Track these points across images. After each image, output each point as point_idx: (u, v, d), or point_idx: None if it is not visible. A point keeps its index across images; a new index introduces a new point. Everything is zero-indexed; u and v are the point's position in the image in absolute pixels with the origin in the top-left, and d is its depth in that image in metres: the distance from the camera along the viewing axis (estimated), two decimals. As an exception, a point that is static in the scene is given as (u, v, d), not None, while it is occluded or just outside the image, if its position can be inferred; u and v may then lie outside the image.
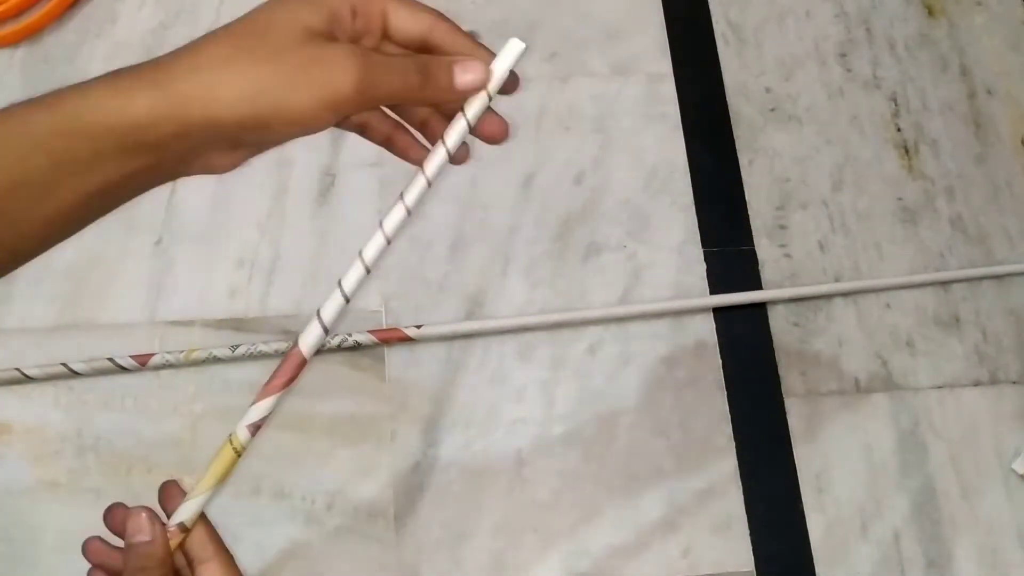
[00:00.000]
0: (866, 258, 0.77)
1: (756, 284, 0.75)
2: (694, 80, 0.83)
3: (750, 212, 0.78)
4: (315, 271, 0.73)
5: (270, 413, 0.37)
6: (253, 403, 0.37)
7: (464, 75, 0.37)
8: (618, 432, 0.70)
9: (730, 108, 0.82)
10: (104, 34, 0.81)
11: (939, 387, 0.73)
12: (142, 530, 0.36)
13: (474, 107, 0.38)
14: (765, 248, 0.77)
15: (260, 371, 0.69)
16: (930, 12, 0.88)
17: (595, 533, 0.67)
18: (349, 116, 0.35)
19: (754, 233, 0.77)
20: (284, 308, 0.71)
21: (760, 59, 0.84)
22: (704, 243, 0.76)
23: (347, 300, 0.37)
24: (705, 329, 0.73)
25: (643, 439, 0.70)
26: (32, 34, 0.80)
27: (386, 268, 0.73)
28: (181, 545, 0.38)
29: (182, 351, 0.68)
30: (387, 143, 0.41)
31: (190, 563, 0.38)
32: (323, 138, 0.78)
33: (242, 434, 0.37)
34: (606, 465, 0.69)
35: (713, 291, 0.74)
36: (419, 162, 0.40)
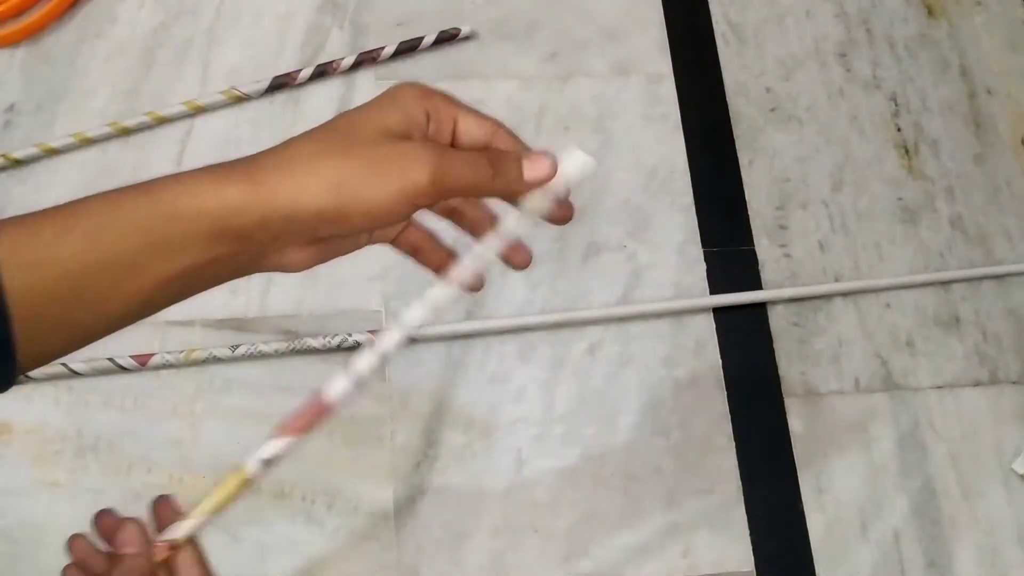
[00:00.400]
0: (866, 258, 0.77)
1: (756, 284, 0.75)
2: (694, 80, 0.83)
3: (750, 212, 0.78)
4: (315, 271, 0.72)
5: (285, 454, 0.37)
6: (270, 438, 0.37)
7: (532, 168, 0.39)
8: (618, 432, 0.70)
9: (730, 108, 0.82)
10: (104, 34, 0.81)
11: (939, 387, 0.73)
12: (131, 542, 0.37)
13: (535, 201, 0.39)
14: (765, 248, 0.77)
15: (260, 371, 0.69)
16: (930, 12, 0.88)
17: (595, 533, 0.67)
18: (427, 206, 0.37)
19: (754, 233, 0.77)
20: (284, 308, 0.71)
21: (760, 59, 0.84)
22: (704, 243, 0.76)
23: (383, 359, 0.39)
24: (705, 329, 0.73)
25: (643, 439, 0.70)
26: (32, 34, 0.80)
27: (386, 268, 0.73)
28: (168, 561, 0.38)
29: (182, 351, 0.68)
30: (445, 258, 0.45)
31: None
32: (323, 138, 0.78)
33: (252, 467, 0.37)
34: (606, 465, 0.69)
35: (713, 291, 0.74)
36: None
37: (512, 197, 0.39)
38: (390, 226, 0.37)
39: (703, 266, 0.76)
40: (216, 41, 0.81)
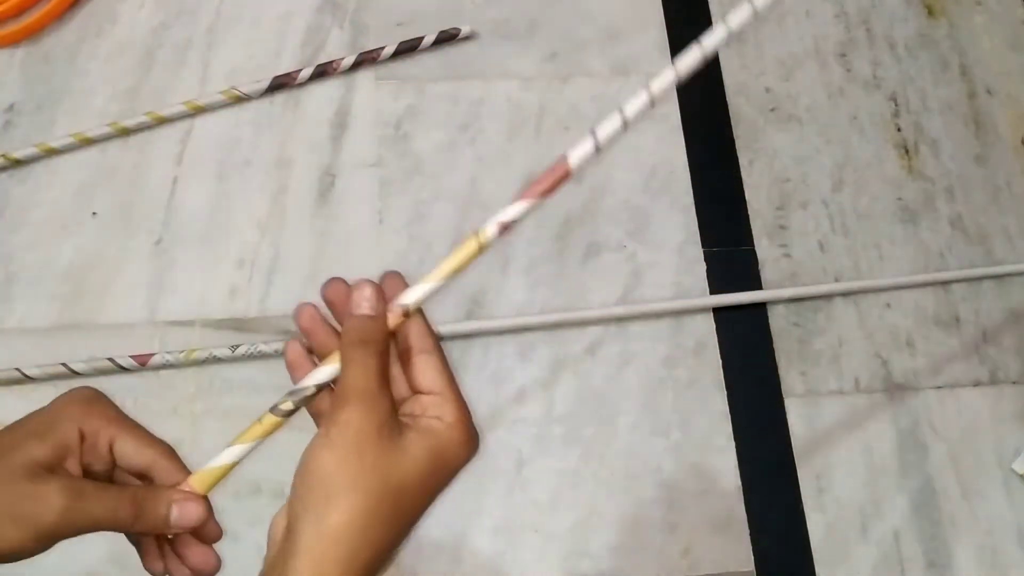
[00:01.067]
0: (866, 258, 0.77)
1: (756, 284, 0.75)
2: (694, 80, 0.83)
3: (750, 212, 0.78)
4: (315, 271, 0.73)
5: (522, 216, 0.36)
6: (511, 204, 0.36)
7: (182, 514, 0.38)
8: (618, 432, 0.70)
9: (730, 108, 0.82)
10: (104, 34, 0.81)
11: (939, 387, 0.73)
12: (366, 301, 0.35)
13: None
14: (765, 248, 0.77)
15: (260, 371, 0.69)
16: (930, 12, 0.88)
17: (595, 533, 0.67)
18: (70, 536, 0.36)
19: (754, 233, 0.77)
20: (284, 308, 0.71)
21: (760, 59, 0.84)
22: (704, 243, 0.76)
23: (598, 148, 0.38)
24: (705, 329, 0.73)
25: (643, 439, 0.70)
26: (32, 34, 0.80)
27: (386, 268, 0.73)
28: (399, 327, 0.36)
29: (182, 351, 0.68)
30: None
31: (407, 351, 0.37)
32: (323, 138, 0.78)
33: (490, 230, 0.36)
34: (606, 465, 0.69)
35: (713, 291, 0.74)
36: None
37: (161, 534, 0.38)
38: (19, 558, 0.35)
39: (703, 266, 0.75)
40: (216, 41, 0.81)
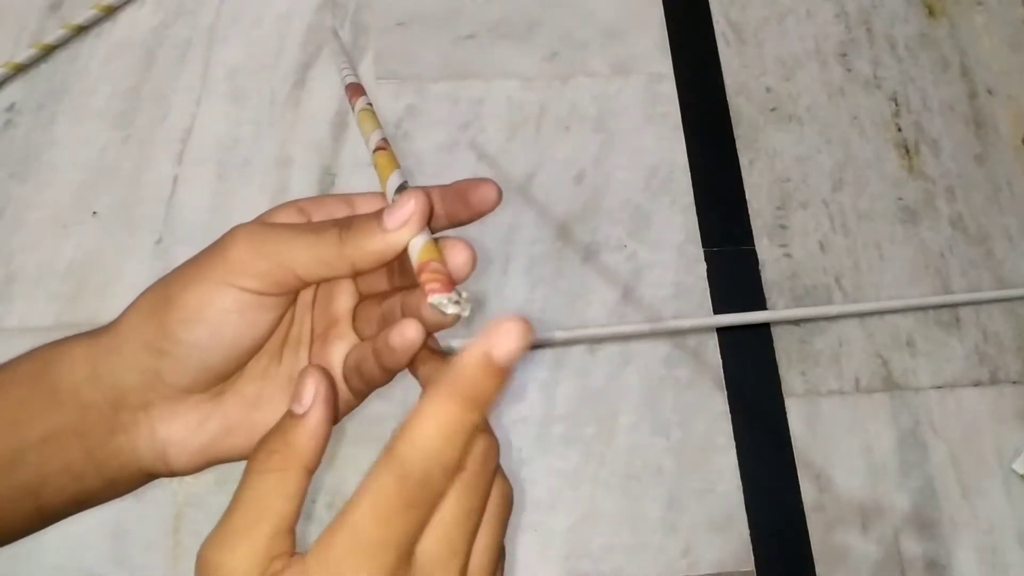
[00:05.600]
0: (866, 258, 0.77)
1: (757, 284, 0.75)
2: (694, 80, 0.83)
3: (750, 212, 0.78)
4: (315, 271, 0.73)
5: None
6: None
7: (393, 211, 0.29)
8: (618, 432, 0.70)
9: (730, 108, 0.82)
10: (104, 34, 0.81)
11: (939, 387, 0.73)
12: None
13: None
14: (765, 248, 0.77)
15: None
16: (931, 12, 0.88)
17: (595, 533, 0.67)
18: (267, 295, 0.29)
19: (754, 233, 0.77)
20: (284, 308, 0.71)
21: (760, 59, 0.84)
22: (704, 243, 0.76)
23: None
24: (705, 328, 0.73)
25: (643, 439, 0.70)
26: (32, 34, 0.80)
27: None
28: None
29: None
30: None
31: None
32: (323, 137, 0.78)
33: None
34: (606, 465, 0.69)
35: (713, 291, 0.74)
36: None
37: (373, 263, 0.30)
38: (243, 333, 0.29)
39: (703, 266, 0.76)
40: (216, 41, 0.81)
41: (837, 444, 0.71)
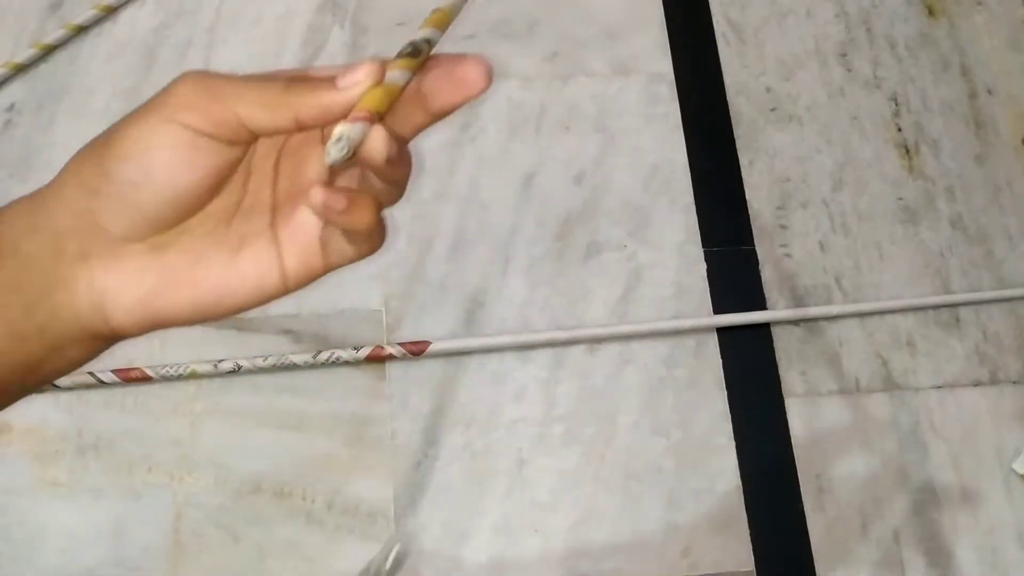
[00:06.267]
0: (866, 258, 0.77)
1: (756, 284, 0.75)
2: (694, 80, 0.83)
3: (750, 212, 0.78)
4: (315, 271, 0.73)
5: None
6: None
7: (348, 73, 0.29)
8: (618, 432, 0.70)
9: (730, 108, 0.82)
10: (104, 34, 0.81)
11: (939, 387, 0.73)
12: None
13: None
14: (765, 248, 0.77)
15: (260, 371, 0.69)
16: (931, 12, 0.88)
17: (595, 533, 0.67)
18: (209, 137, 0.28)
19: (754, 233, 0.77)
20: (284, 308, 0.71)
21: (760, 59, 0.84)
22: (704, 243, 0.76)
23: None
24: (705, 328, 0.73)
25: (643, 439, 0.70)
26: (32, 34, 0.80)
27: (386, 267, 0.73)
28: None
29: (164, 367, 0.68)
30: None
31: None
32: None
33: None
34: (606, 465, 0.69)
35: (713, 291, 0.74)
36: None
37: (316, 116, 0.29)
38: (185, 181, 0.28)
39: (703, 266, 0.75)
40: (216, 41, 0.81)
41: (837, 444, 0.71)
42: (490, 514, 0.67)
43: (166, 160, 0.28)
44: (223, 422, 0.68)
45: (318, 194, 0.29)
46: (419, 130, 0.33)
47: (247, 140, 0.29)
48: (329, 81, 0.29)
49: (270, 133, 0.29)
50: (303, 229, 0.31)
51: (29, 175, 0.75)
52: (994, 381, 0.74)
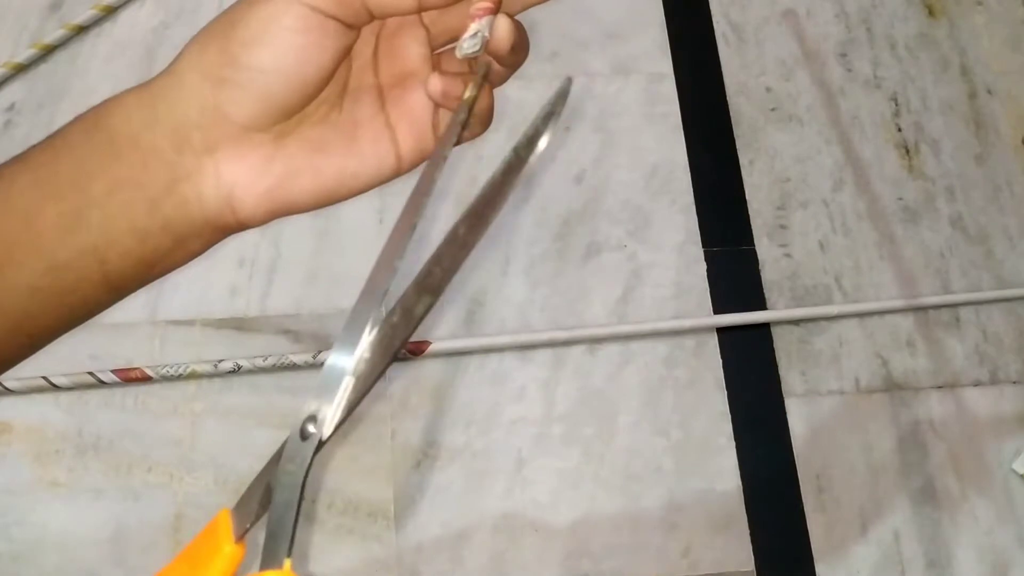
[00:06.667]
0: (866, 258, 0.77)
1: (757, 284, 0.75)
2: (694, 80, 0.83)
3: (750, 212, 0.78)
4: (315, 270, 0.73)
5: None
6: None
7: None
8: (618, 432, 0.70)
9: (730, 108, 0.82)
10: (104, 34, 0.81)
11: (939, 387, 0.73)
12: None
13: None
14: (765, 248, 0.77)
15: (260, 371, 0.69)
16: (930, 12, 0.88)
17: (595, 533, 0.67)
18: (335, 19, 0.28)
19: (754, 233, 0.77)
20: (284, 307, 0.71)
21: (760, 59, 0.84)
22: (704, 243, 0.76)
23: None
24: (705, 328, 0.73)
25: (643, 439, 0.70)
26: (32, 33, 0.80)
27: (386, 268, 0.73)
28: None
29: (164, 367, 0.68)
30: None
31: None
32: (323, 138, 0.78)
33: None
34: (606, 465, 0.69)
35: (713, 291, 0.74)
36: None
37: None
38: (309, 62, 0.28)
39: (703, 265, 0.75)
40: (216, 41, 0.81)
41: (837, 444, 0.71)
42: (490, 514, 0.67)
43: (298, 44, 0.27)
44: (223, 422, 0.68)
45: (436, 82, 0.29)
46: (529, 6, 0.32)
47: (365, 22, 0.29)
48: None
49: (390, 15, 0.29)
50: (415, 112, 0.31)
51: (29, 175, 0.75)
52: (994, 381, 0.74)
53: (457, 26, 0.31)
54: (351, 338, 0.27)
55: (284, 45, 0.27)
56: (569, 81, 0.33)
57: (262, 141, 0.29)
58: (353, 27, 0.29)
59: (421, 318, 0.29)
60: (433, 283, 0.31)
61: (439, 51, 0.32)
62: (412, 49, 0.32)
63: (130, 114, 0.28)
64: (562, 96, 0.32)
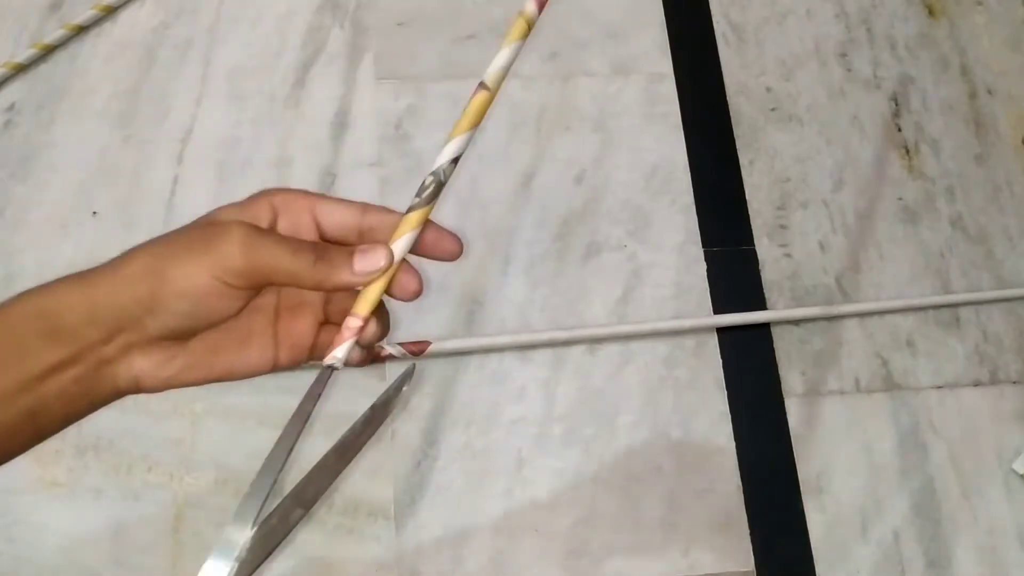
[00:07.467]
0: (866, 258, 0.77)
1: (757, 284, 0.75)
2: (694, 80, 0.83)
3: (750, 212, 0.78)
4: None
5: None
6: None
7: (364, 259, 0.36)
8: (618, 432, 0.70)
9: (730, 108, 0.82)
10: (104, 34, 0.81)
11: (939, 387, 0.73)
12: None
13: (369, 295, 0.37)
14: (765, 248, 0.77)
15: (260, 371, 0.69)
16: (931, 12, 0.88)
17: (595, 533, 0.67)
18: (246, 290, 0.35)
19: (754, 233, 0.77)
20: (284, 308, 0.71)
21: (760, 59, 0.84)
22: (704, 243, 0.76)
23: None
24: (705, 328, 0.73)
25: (643, 439, 0.70)
26: (32, 34, 0.80)
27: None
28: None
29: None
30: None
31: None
32: (323, 137, 0.78)
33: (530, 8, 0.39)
34: (606, 465, 0.69)
35: (713, 291, 0.74)
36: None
37: (335, 290, 0.38)
38: (218, 310, 0.35)
39: (703, 266, 0.75)
40: (216, 41, 0.81)
41: (837, 444, 0.71)
42: (490, 514, 0.67)
43: (212, 305, 0.35)
44: (223, 422, 0.68)
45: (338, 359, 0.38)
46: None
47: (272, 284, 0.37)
48: (348, 256, 0.36)
49: (293, 287, 0.36)
50: (301, 334, 0.39)
51: (29, 175, 0.75)
52: (994, 381, 0.74)
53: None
54: (237, 532, 0.35)
55: (202, 303, 0.35)
56: (413, 367, 0.43)
57: (169, 344, 0.36)
58: (260, 288, 0.36)
59: (295, 525, 0.38)
60: (306, 498, 0.39)
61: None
62: (311, 294, 0.39)
63: (73, 311, 0.35)
64: (407, 376, 0.42)
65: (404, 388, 0.41)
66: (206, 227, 0.35)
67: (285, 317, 0.39)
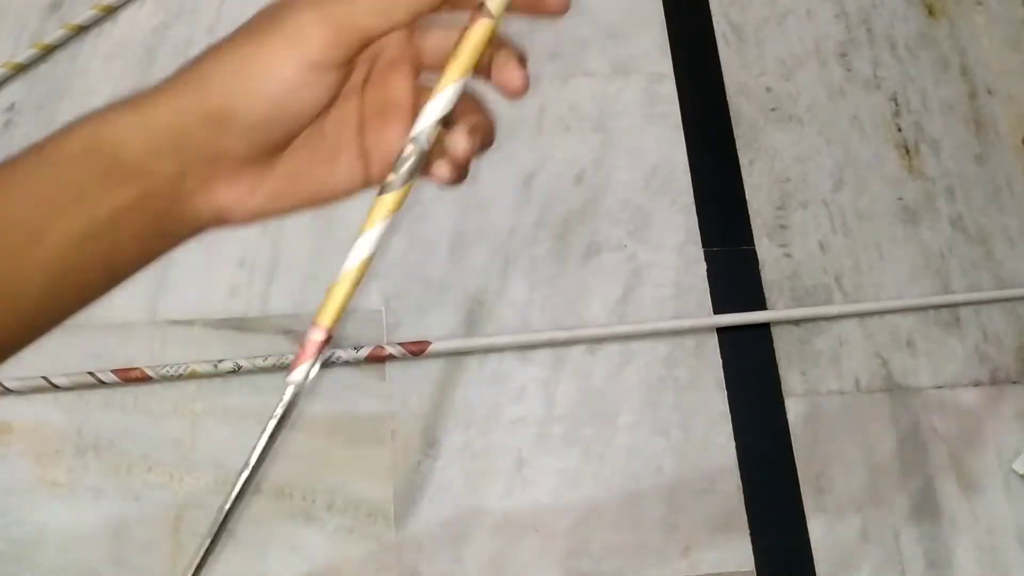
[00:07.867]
0: (866, 258, 0.77)
1: (757, 284, 0.75)
2: (694, 80, 0.83)
3: (750, 212, 0.78)
4: (315, 271, 0.73)
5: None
6: None
7: None
8: (618, 432, 0.70)
9: (730, 108, 0.82)
10: (104, 34, 0.81)
11: (939, 387, 0.73)
12: None
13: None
14: (765, 248, 0.77)
15: (259, 371, 0.69)
16: (930, 12, 0.88)
17: (595, 533, 0.67)
18: (334, 68, 0.30)
19: (754, 233, 0.77)
20: (284, 308, 0.71)
21: (760, 59, 0.84)
22: (704, 243, 0.76)
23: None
24: (705, 328, 0.73)
25: (643, 439, 0.70)
26: (32, 34, 0.80)
27: (386, 268, 0.73)
28: None
29: (164, 367, 0.68)
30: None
31: None
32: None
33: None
34: (606, 465, 0.69)
35: (713, 291, 0.74)
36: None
37: (432, 3, 0.32)
38: (305, 106, 0.30)
39: (703, 265, 0.75)
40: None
41: (837, 444, 0.71)
42: (490, 514, 0.67)
43: (300, 98, 0.30)
44: (223, 422, 0.68)
45: (444, 171, 0.32)
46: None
47: (364, 46, 0.31)
48: None
49: (385, 33, 0.31)
50: (390, 144, 0.33)
51: (29, 175, 0.75)
52: (994, 381, 0.74)
53: (445, 60, 0.33)
54: None
55: (288, 100, 0.30)
56: (298, 388, 0.36)
57: (253, 170, 0.32)
58: (351, 60, 0.31)
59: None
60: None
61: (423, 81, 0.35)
62: (400, 83, 0.34)
63: (132, 140, 0.30)
64: (292, 405, 0.35)
65: (287, 415, 0.36)
66: (261, 19, 0.30)
67: (372, 124, 0.34)
